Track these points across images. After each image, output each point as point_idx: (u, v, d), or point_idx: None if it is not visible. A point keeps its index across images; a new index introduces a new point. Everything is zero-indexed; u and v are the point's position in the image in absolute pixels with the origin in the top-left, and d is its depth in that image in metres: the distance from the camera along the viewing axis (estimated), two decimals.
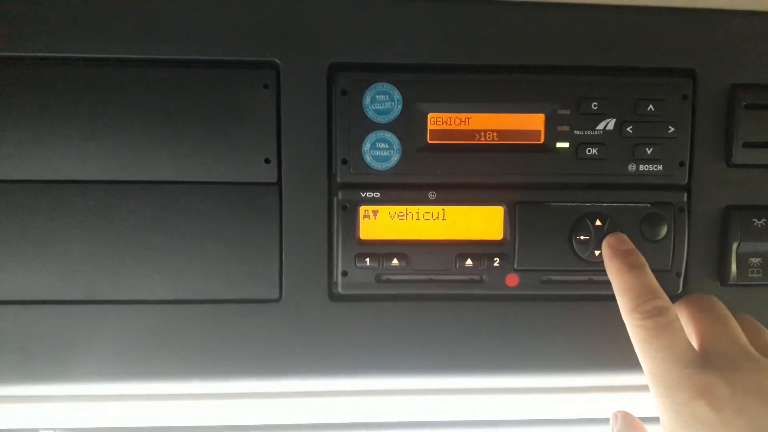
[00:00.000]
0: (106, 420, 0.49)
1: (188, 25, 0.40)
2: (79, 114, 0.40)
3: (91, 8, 0.39)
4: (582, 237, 0.42)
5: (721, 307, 0.38)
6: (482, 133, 0.42)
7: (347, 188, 0.41)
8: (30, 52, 0.40)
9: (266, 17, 0.40)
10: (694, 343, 0.36)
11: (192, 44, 0.40)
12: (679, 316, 0.38)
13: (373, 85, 0.41)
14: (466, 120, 0.41)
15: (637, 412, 0.45)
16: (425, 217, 0.42)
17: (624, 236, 0.41)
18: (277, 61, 0.40)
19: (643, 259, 0.39)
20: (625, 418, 0.42)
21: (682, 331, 0.36)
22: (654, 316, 0.36)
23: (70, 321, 0.41)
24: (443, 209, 0.42)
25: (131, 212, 0.41)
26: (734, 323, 0.37)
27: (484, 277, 0.42)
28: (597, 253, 0.42)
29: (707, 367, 0.34)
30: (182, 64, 0.40)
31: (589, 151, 0.42)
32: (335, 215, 0.42)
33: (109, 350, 0.42)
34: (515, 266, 0.42)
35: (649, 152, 0.42)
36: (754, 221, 0.42)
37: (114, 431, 0.52)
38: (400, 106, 0.41)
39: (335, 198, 0.42)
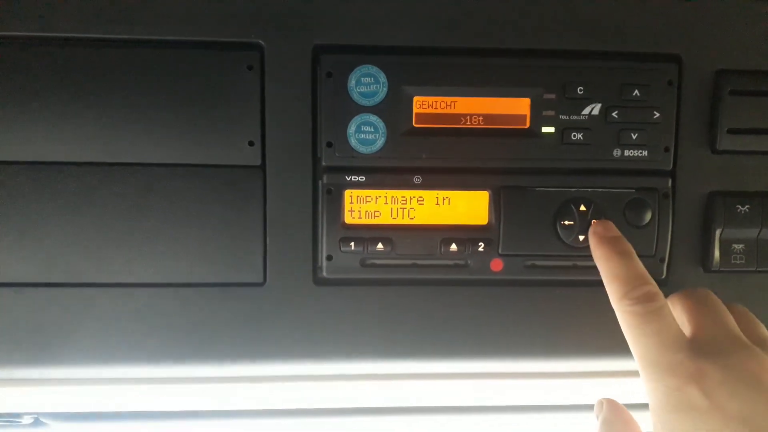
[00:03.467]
0: (89, 404, 0.49)
1: (172, 6, 0.39)
2: (59, 95, 0.40)
3: None
4: (566, 222, 0.42)
5: (714, 297, 0.38)
6: (468, 117, 0.41)
7: (332, 172, 0.41)
8: (10, 32, 0.39)
9: None
10: (687, 332, 0.36)
11: (175, 25, 0.40)
12: (673, 309, 0.38)
13: (358, 68, 0.40)
14: (452, 104, 0.41)
15: (621, 398, 0.46)
16: (410, 202, 0.42)
17: (610, 223, 0.41)
18: (261, 42, 0.40)
19: (629, 246, 0.39)
20: (611, 405, 0.42)
21: (672, 316, 0.36)
22: (644, 301, 0.36)
23: (52, 304, 0.41)
24: (428, 193, 0.42)
25: (113, 194, 0.41)
26: (726, 313, 0.37)
27: (468, 261, 0.42)
28: (581, 238, 0.42)
29: (699, 353, 0.34)
30: (165, 45, 0.40)
31: (574, 135, 0.41)
32: (320, 199, 0.42)
33: (91, 333, 0.41)
34: (500, 251, 0.42)
35: (634, 137, 0.42)
36: (738, 207, 0.43)
37: (97, 415, 0.52)
38: (385, 89, 0.41)
39: (320, 181, 0.41)
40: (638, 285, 0.37)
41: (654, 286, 0.37)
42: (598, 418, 0.42)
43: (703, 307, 0.37)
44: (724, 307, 0.37)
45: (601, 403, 0.42)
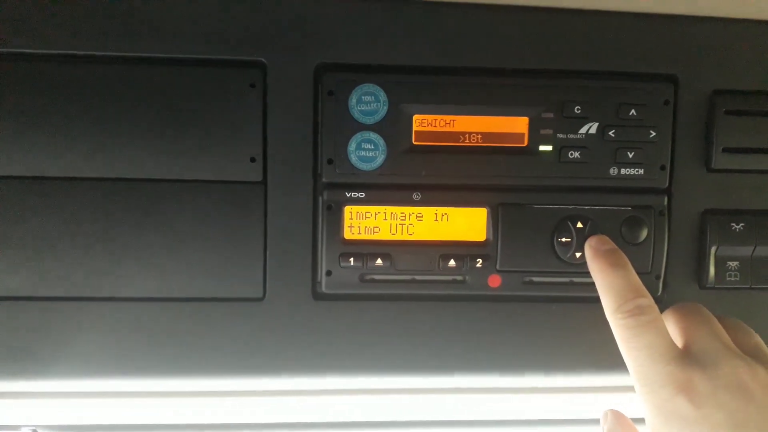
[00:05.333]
0: (88, 417, 0.49)
1: (175, 24, 0.40)
2: (62, 110, 0.40)
3: (79, 5, 0.39)
4: (564, 239, 0.42)
5: (705, 311, 0.39)
6: (467, 135, 0.42)
7: (332, 188, 0.42)
8: (17, 49, 0.39)
9: (254, 17, 0.40)
10: (679, 344, 0.37)
11: (179, 43, 0.40)
12: (666, 323, 0.38)
13: (359, 86, 0.41)
14: (451, 122, 0.42)
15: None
16: (409, 218, 0.42)
17: (606, 237, 0.41)
18: (263, 60, 0.41)
19: (625, 259, 0.40)
20: (615, 416, 0.42)
21: (665, 329, 0.36)
22: (636, 314, 0.36)
23: (52, 317, 0.41)
24: (427, 210, 0.42)
25: (115, 209, 0.41)
26: (717, 324, 0.38)
27: (466, 277, 0.43)
28: (578, 255, 0.42)
29: (689, 363, 0.34)
30: (169, 63, 0.40)
31: (571, 154, 0.42)
32: (320, 215, 0.42)
33: (91, 347, 0.42)
34: (498, 267, 0.43)
35: (630, 156, 0.42)
36: (732, 225, 0.43)
37: (96, 428, 0.52)
38: (385, 107, 0.41)
39: (320, 198, 0.42)
40: (631, 298, 0.37)
41: (647, 299, 0.37)
42: (603, 429, 0.42)
43: (694, 320, 0.38)
44: (714, 320, 0.38)
45: (606, 414, 0.43)
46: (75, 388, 0.44)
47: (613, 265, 0.39)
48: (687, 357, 0.35)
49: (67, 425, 0.51)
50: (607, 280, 0.39)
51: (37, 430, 0.53)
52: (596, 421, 0.44)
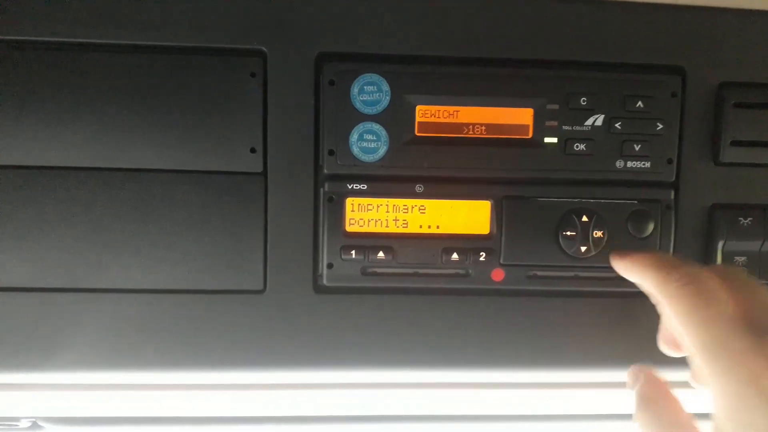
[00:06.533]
0: (87, 409, 0.49)
1: (175, 12, 0.39)
2: (61, 100, 0.39)
3: None
4: (568, 233, 0.42)
5: (751, 277, 0.33)
6: (470, 127, 0.41)
7: (334, 180, 0.41)
8: (12, 36, 0.39)
9: (254, 5, 0.40)
10: (736, 314, 0.31)
11: (178, 31, 0.40)
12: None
13: (361, 76, 0.40)
14: (455, 113, 0.41)
15: (621, 409, 0.45)
16: (412, 210, 0.42)
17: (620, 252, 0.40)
18: (264, 49, 0.40)
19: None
20: (650, 379, 0.36)
21: (728, 298, 0.31)
22: (692, 282, 0.32)
23: (51, 309, 0.41)
24: (430, 202, 0.42)
25: (114, 200, 0.40)
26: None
27: (470, 271, 0.42)
28: (583, 249, 0.41)
29: (764, 337, 0.29)
30: (168, 51, 0.40)
31: (577, 146, 0.41)
32: (321, 207, 0.41)
33: (90, 339, 0.41)
34: (501, 261, 0.42)
35: (637, 149, 0.42)
36: (740, 220, 0.42)
37: (95, 420, 0.52)
38: (388, 98, 0.41)
39: (321, 189, 0.41)
40: (678, 265, 0.33)
41: (696, 266, 0.33)
42: (633, 389, 0.38)
43: (747, 287, 0.32)
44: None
45: (636, 375, 0.38)
46: (74, 380, 0.44)
47: (644, 253, 0.37)
48: (757, 330, 0.29)
49: (67, 417, 0.51)
50: (645, 263, 0.35)
51: (37, 421, 0.53)
52: (600, 417, 0.44)
